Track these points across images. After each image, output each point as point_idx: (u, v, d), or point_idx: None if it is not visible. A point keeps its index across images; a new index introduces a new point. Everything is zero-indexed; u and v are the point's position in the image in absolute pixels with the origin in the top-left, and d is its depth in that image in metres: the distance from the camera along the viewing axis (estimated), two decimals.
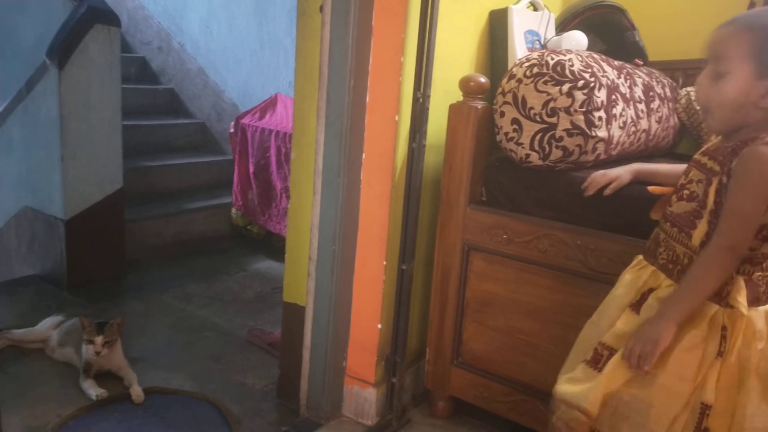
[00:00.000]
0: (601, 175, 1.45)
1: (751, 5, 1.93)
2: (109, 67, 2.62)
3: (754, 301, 1.10)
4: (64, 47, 2.49)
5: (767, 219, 1.06)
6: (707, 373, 1.09)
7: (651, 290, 1.17)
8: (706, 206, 1.10)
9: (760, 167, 1.03)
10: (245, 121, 3.25)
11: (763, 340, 1.09)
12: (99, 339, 1.85)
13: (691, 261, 1.12)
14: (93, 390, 1.80)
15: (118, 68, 2.66)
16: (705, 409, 1.09)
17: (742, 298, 1.07)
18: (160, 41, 4.16)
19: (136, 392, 1.81)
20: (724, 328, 1.08)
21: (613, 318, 1.21)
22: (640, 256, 1.24)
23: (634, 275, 1.22)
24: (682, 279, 1.11)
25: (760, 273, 1.10)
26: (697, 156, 1.17)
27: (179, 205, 3.33)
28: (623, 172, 1.43)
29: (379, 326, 1.71)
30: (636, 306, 1.18)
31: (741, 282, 1.08)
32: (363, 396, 1.76)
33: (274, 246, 3.24)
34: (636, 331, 1.13)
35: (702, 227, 1.11)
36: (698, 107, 1.17)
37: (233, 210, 3.39)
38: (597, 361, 1.19)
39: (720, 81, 1.07)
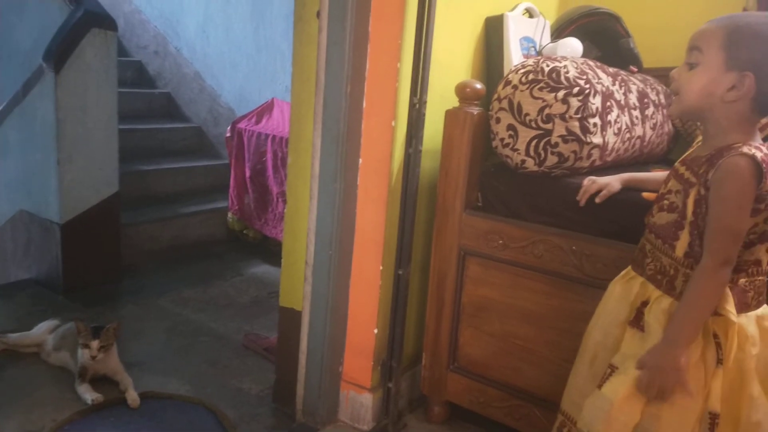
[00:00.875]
0: (590, 183, 1.46)
1: (744, 11, 1.95)
2: (106, 71, 2.63)
3: (743, 307, 1.10)
4: (60, 51, 2.49)
5: (747, 226, 1.06)
6: (711, 383, 1.09)
7: (644, 303, 1.17)
8: (686, 217, 1.11)
9: (737, 179, 1.04)
10: (242, 125, 3.25)
11: (757, 345, 1.10)
12: (95, 343, 1.84)
13: (678, 272, 1.12)
14: (89, 394, 1.80)
15: (114, 72, 2.66)
16: (714, 419, 1.08)
17: (730, 306, 1.08)
18: (156, 45, 4.16)
19: (132, 397, 1.81)
20: (716, 336, 1.09)
21: (616, 336, 1.20)
22: (629, 267, 1.24)
23: (624, 288, 1.22)
24: (682, 300, 1.09)
25: (745, 279, 1.10)
26: (676, 164, 1.18)
27: (175, 210, 3.33)
28: (613, 180, 1.44)
29: (376, 331, 1.71)
30: (635, 323, 1.18)
31: (727, 290, 1.09)
32: (359, 401, 1.76)
33: (270, 250, 3.24)
34: (645, 360, 1.11)
35: (684, 238, 1.12)
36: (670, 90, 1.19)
37: (229, 214, 3.39)
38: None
39: (691, 71, 1.09)
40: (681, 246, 1.12)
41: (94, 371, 1.88)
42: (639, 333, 1.16)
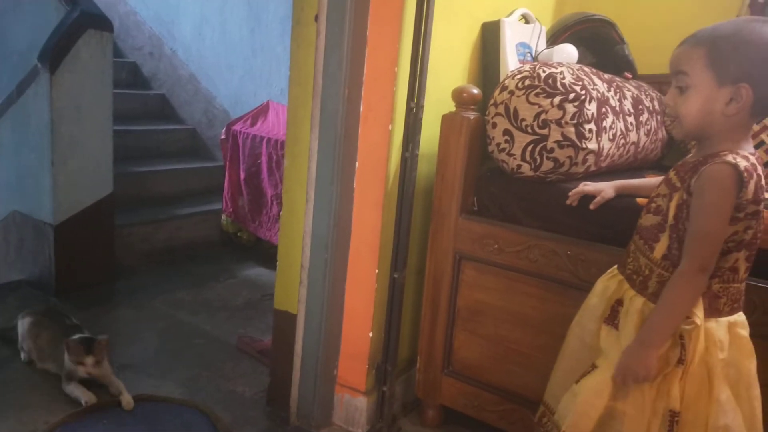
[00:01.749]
0: (582, 185, 1.48)
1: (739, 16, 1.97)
2: (101, 72, 2.62)
3: (713, 312, 1.12)
4: (55, 51, 2.48)
5: (726, 233, 1.08)
6: (670, 380, 1.12)
7: (619, 301, 1.21)
8: (668, 221, 1.13)
9: (715, 186, 1.05)
10: (236, 127, 3.25)
11: (725, 350, 1.11)
12: (90, 360, 1.83)
13: (652, 273, 1.15)
14: (82, 395, 1.79)
15: (110, 73, 2.65)
16: (674, 417, 1.11)
17: (698, 311, 1.09)
18: (151, 47, 4.15)
19: (126, 399, 1.79)
20: (681, 337, 1.10)
21: (593, 331, 1.25)
22: (616, 266, 1.27)
23: (605, 284, 1.26)
24: (658, 303, 1.12)
25: (719, 285, 1.12)
26: (671, 171, 1.20)
27: (169, 211, 3.32)
28: (607, 187, 1.46)
29: (371, 334, 1.71)
30: (610, 320, 1.21)
31: (700, 296, 1.10)
32: (353, 404, 1.76)
33: (264, 253, 3.23)
34: (621, 360, 1.14)
35: (664, 241, 1.14)
36: (668, 117, 1.20)
37: (223, 216, 3.38)
38: None
39: (684, 95, 1.10)
40: (660, 248, 1.14)
41: (83, 376, 1.86)
42: (614, 331, 1.20)
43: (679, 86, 1.10)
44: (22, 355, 2.03)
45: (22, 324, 2.06)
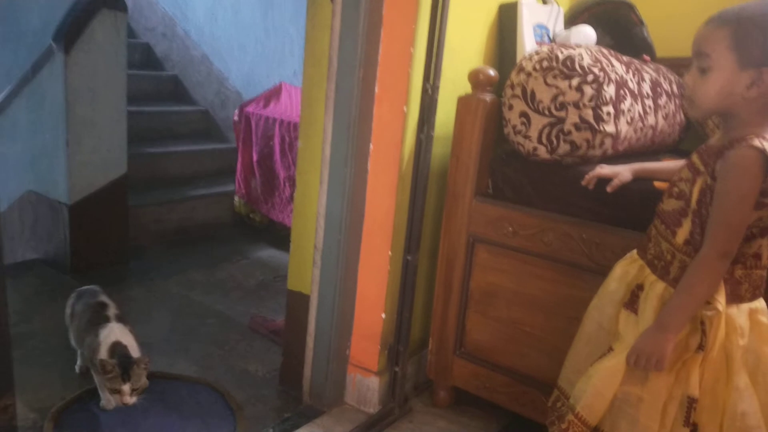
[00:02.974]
0: (598, 168, 1.47)
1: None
2: (116, 53, 2.62)
3: (735, 299, 1.11)
4: (70, 31, 2.48)
5: (750, 219, 1.06)
6: (690, 367, 1.11)
7: (639, 286, 1.20)
8: (691, 205, 1.11)
9: (742, 171, 1.04)
10: (249, 109, 3.25)
11: (745, 337, 1.11)
12: (126, 388, 1.56)
13: (674, 258, 1.14)
14: (107, 402, 1.68)
15: (124, 53, 2.65)
16: (692, 403, 1.11)
17: (720, 297, 1.09)
18: (164, 27, 4.14)
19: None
20: (702, 323, 1.10)
21: (611, 316, 1.24)
22: (635, 250, 1.26)
23: (624, 269, 1.25)
24: (677, 288, 1.11)
25: (742, 271, 1.11)
26: (692, 154, 1.18)
27: (182, 192, 3.33)
28: (624, 170, 1.44)
29: (383, 316, 1.72)
30: (630, 305, 1.21)
31: (721, 281, 1.09)
32: (365, 384, 1.77)
33: (277, 234, 3.24)
34: (637, 342, 1.14)
35: (686, 226, 1.12)
36: (685, 99, 1.18)
37: (236, 198, 3.39)
38: None
39: (705, 76, 1.08)
40: (682, 233, 1.13)
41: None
42: (633, 316, 1.19)
43: (701, 67, 1.08)
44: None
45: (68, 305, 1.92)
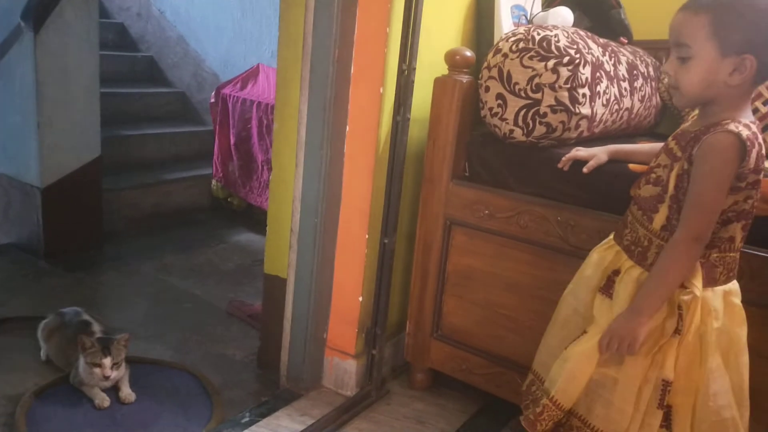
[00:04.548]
0: (575, 150, 1.47)
1: None
2: (87, 32, 2.56)
3: (710, 282, 1.12)
4: (39, 10, 2.41)
5: (726, 203, 1.07)
6: (666, 351, 1.12)
7: (615, 272, 1.20)
8: (668, 191, 1.12)
9: (718, 155, 1.04)
10: (226, 91, 3.20)
11: (719, 319, 1.12)
12: (107, 361, 1.61)
13: (652, 243, 1.14)
14: (96, 396, 1.65)
15: (96, 33, 2.59)
16: (666, 386, 1.12)
17: (697, 281, 1.10)
18: (139, 7, 4.05)
19: (126, 392, 1.68)
20: (680, 308, 1.11)
21: (587, 301, 1.24)
22: (611, 236, 1.26)
23: (601, 255, 1.25)
24: (651, 272, 1.12)
25: (717, 255, 1.12)
26: (669, 139, 1.18)
27: (158, 176, 3.28)
28: (600, 152, 1.44)
29: (360, 299, 1.72)
30: (605, 290, 1.21)
31: (697, 264, 1.10)
32: (343, 367, 1.78)
33: (255, 218, 3.22)
34: (610, 326, 1.15)
35: (663, 212, 1.13)
36: (667, 86, 1.17)
37: (213, 182, 3.35)
38: None
39: (686, 65, 1.07)
40: (659, 219, 1.13)
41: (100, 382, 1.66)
42: (607, 300, 1.20)
43: (680, 57, 1.07)
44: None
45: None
